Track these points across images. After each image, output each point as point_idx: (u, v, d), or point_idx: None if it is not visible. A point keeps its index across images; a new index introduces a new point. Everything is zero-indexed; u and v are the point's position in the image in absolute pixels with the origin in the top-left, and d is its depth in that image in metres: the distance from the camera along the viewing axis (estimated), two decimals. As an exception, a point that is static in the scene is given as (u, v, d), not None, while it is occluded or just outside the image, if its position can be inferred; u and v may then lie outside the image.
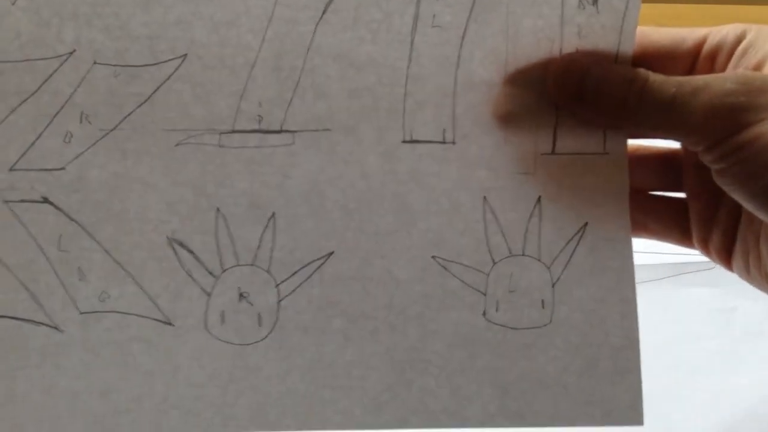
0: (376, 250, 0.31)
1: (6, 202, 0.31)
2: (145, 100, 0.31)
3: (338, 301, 0.31)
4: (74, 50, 0.30)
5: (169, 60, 0.31)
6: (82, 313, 0.31)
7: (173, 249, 0.31)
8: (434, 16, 0.31)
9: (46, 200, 0.31)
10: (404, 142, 0.31)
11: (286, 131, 0.31)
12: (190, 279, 0.31)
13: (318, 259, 0.31)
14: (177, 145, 0.31)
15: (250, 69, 0.31)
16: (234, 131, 0.31)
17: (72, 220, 0.31)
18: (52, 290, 0.30)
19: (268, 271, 0.31)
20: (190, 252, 0.31)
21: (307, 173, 0.31)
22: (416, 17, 0.31)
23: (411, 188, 0.31)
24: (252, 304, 0.31)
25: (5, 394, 0.30)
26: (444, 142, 0.31)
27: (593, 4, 0.30)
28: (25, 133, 0.31)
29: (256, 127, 0.31)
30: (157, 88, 0.31)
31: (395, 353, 0.31)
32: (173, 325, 0.31)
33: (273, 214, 0.31)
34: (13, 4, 0.30)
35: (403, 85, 0.31)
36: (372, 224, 0.31)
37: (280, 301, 0.31)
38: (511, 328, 0.31)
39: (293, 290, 0.31)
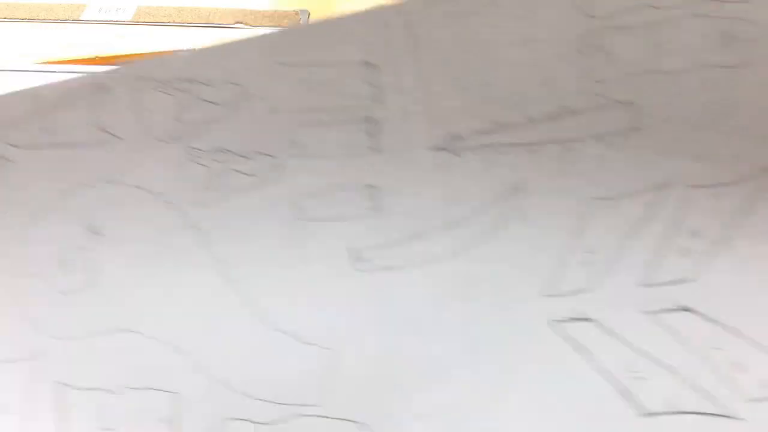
0: None
1: (648, 313, 0.36)
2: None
3: None
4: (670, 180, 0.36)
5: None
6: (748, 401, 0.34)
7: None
8: None
9: (684, 308, 0.35)
10: None
11: None
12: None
13: None
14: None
15: None
16: None
17: (711, 321, 0.35)
18: (715, 383, 0.35)
19: None
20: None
21: None
22: None
23: None
24: None
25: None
26: None
27: None
28: (647, 255, 0.36)
29: None
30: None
31: None
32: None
33: None
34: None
35: None
36: None
37: None
38: None
39: None
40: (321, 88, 0.40)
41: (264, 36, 0.41)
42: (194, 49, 0.42)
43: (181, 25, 0.67)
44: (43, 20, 0.69)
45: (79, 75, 0.43)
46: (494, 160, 0.38)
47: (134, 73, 0.42)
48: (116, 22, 0.68)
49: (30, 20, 0.69)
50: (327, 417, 0.41)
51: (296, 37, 0.40)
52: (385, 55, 0.39)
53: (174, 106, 0.42)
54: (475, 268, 0.39)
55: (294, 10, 0.68)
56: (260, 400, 0.42)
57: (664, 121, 0.35)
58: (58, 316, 0.44)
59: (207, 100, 0.42)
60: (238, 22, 0.67)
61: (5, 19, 0.69)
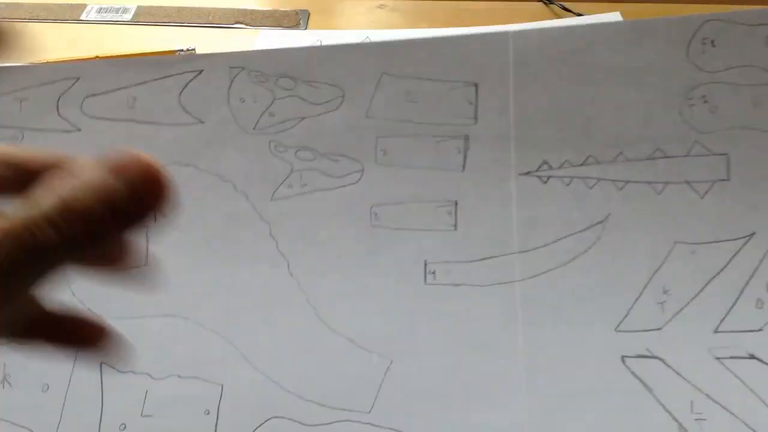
0: None
1: (717, 358, 0.37)
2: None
3: None
4: (754, 232, 0.38)
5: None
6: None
7: None
8: None
9: (752, 356, 0.37)
10: None
11: None
12: None
13: None
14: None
15: None
16: None
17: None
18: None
19: None
20: None
21: None
22: None
23: None
24: None
25: None
26: None
27: None
28: (722, 301, 0.37)
29: None
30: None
31: None
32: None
33: None
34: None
35: None
36: None
37: None
38: None
39: None
40: (423, 101, 0.41)
41: (373, 44, 0.42)
42: (302, 48, 0.42)
43: (181, 25, 0.67)
44: (43, 20, 0.69)
45: (174, 55, 0.43)
46: (582, 192, 0.39)
47: (235, 63, 0.42)
48: (116, 22, 0.69)
49: (30, 20, 0.69)
50: (375, 425, 0.40)
51: (405, 50, 0.41)
52: (486, 76, 0.40)
53: (269, 99, 0.42)
54: (547, 294, 0.39)
55: (294, 11, 0.69)
56: (308, 401, 0.41)
57: (755, 176, 0.37)
58: (103, 294, 0.42)
59: (303, 99, 0.42)
60: (237, 22, 0.67)
61: (5, 19, 0.68)
